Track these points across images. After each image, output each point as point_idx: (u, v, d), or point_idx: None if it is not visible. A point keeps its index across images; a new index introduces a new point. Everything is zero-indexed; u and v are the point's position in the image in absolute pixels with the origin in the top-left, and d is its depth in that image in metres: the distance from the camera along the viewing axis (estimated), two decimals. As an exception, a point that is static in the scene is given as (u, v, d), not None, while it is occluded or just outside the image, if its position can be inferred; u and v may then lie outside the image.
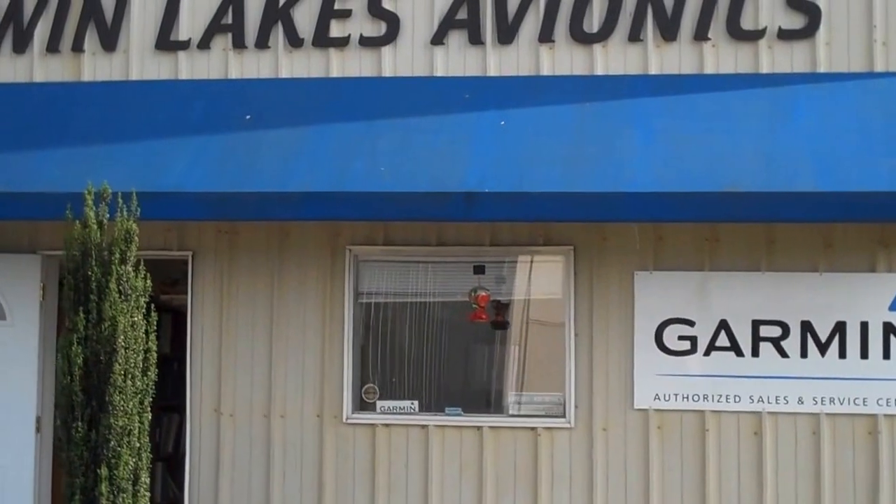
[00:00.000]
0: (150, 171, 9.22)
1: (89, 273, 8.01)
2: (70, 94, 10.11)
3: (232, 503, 9.61)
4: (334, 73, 9.98)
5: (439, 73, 9.90)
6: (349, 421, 9.53)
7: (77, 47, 10.20)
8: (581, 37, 9.80)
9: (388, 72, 9.94)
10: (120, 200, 8.15)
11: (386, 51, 9.95)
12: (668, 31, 9.72)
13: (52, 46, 10.22)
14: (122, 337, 7.90)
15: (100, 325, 7.94)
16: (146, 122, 9.78)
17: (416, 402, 9.62)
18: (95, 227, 8.07)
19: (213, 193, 9.10)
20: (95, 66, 10.20)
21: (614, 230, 9.39)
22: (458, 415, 9.52)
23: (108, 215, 8.12)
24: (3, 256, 9.88)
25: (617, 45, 9.79)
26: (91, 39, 10.21)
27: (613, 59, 9.79)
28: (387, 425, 9.52)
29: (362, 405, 9.64)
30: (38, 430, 9.76)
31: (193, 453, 9.69)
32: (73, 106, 10.02)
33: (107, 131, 9.73)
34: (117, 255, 8.05)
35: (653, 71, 9.74)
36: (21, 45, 10.26)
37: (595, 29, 9.79)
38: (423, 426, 9.48)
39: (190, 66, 10.10)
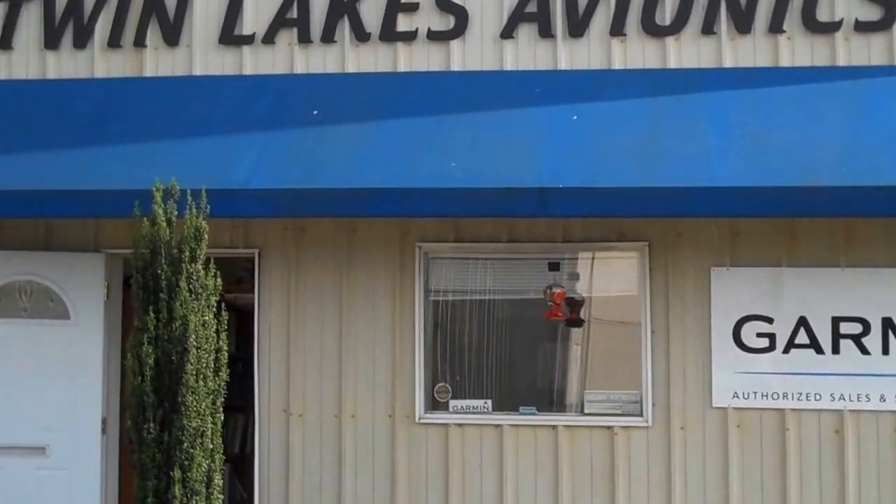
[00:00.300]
0: (215, 167, 9.07)
1: (159, 271, 7.85)
2: (132, 90, 9.97)
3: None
4: (402, 68, 9.81)
5: (509, 67, 9.71)
6: (421, 421, 9.36)
7: (139, 42, 10.05)
8: (653, 29, 9.60)
9: (456, 66, 9.76)
10: (189, 197, 7.98)
11: (454, 45, 9.76)
12: (743, 23, 9.50)
13: (114, 41, 10.07)
14: (193, 336, 7.74)
15: (170, 325, 7.78)
16: (210, 118, 9.63)
17: (489, 402, 9.43)
18: (164, 224, 7.90)
19: (281, 190, 8.93)
20: (158, 62, 10.05)
21: (689, 226, 9.20)
22: (533, 414, 9.34)
23: (176, 212, 7.97)
24: (67, 255, 9.74)
25: (690, 37, 9.58)
26: (153, 34, 10.05)
27: (686, 52, 9.59)
28: (460, 425, 9.35)
29: (434, 405, 9.47)
30: (104, 431, 9.62)
31: (263, 455, 9.52)
32: (136, 102, 9.88)
33: (170, 127, 9.58)
34: (187, 253, 7.88)
35: (727, 64, 9.54)
36: (82, 40, 10.11)
37: (667, 21, 9.59)
38: (497, 426, 9.30)
39: (254, 61, 9.93)
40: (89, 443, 9.56)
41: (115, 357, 9.81)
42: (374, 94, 9.70)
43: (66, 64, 10.14)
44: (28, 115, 9.88)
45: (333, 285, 9.54)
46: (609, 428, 9.20)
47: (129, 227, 9.41)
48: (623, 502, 9.13)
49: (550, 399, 9.64)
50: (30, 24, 10.17)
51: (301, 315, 9.56)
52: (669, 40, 9.58)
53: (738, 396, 9.10)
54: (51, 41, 10.12)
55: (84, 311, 9.66)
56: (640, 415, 9.19)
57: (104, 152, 9.40)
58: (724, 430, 9.08)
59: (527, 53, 9.72)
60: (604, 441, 9.19)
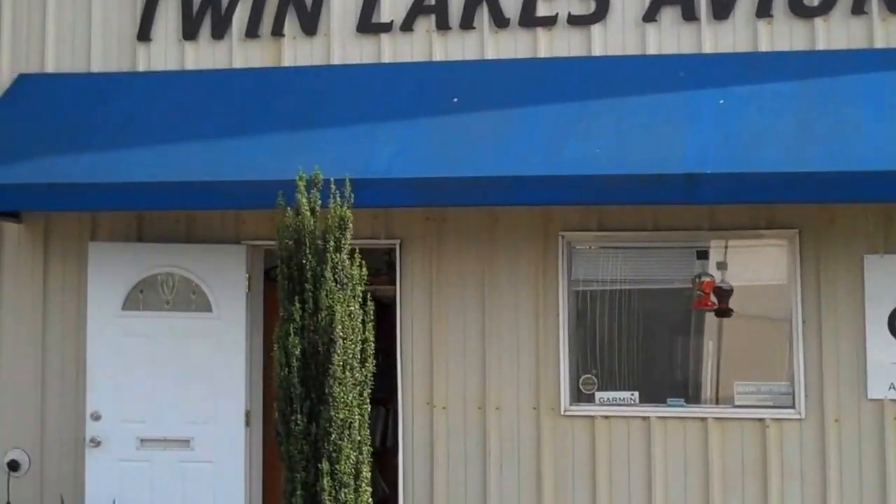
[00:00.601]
0: (355, 157, 8.95)
1: (304, 261, 7.76)
2: (270, 80, 9.92)
3: (448, 498, 9.33)
4: (542, 54, 9.63)
5: (651, 51, 9.49)
6: (567, 413, 9.18)
7: (277, 32, 9.99)
8: (801, 10, 9.30)
9: (597, 51, 9.56)
10: (333, 186, 7.89)
11: (595, 29, 9.56)
12: (894, 2, 9.18)
13: (252, 31, 10.03)
14: (339, 327, 7.62)
15: (316, 315, 7.68)
16: (349, 107, 9.55)
17: (636, 393, 9.23)
18: (308, 214, 7.81)
19: (422, 179, 8.77)
20: (296, 51, 9.98)
21: (841, 212, 8.91)
22: (681, 406, 9.12)
23: (319, 202, 7.88)
24: (208, 247, 9.74)
25: (839, 18, 9.27)
26: (291, 23, 9.99)
27: (836, 33, 9.28)
28: (606, 417, 9.15)
29: (580, 396, 9.29)
30: (247, 424, 9.61)
31: (406, 447, 9.43)
32: (274, 92, 9.82)
33: (309, 117, 9.50)
34: (332, 243, 7.78)
35: (878, 45, 9.21)
36: (220, 30, 10.08)
37: (815, 2, 9.28)
38: (645, 418, 9.09)
39: (393, 49, 9.83)
40: (233, 436, 9.55)
41: (258, 350, 9.79)
42: (515, 80, 9.54)
43: (204, 55, 10.12)
44: (167, 107, 9.89)
45: (475, 275, 9.41)
46: (760, 420, 8.94)
47: (270, 218, 9.44)
48: (776, 497, 8.87)
49: (698, 391, 9.42)
50: (168, 15, 10.17)
51: (443, 306, 9.44)
52: (818, 21, 9.27)
53: (894, 388, 8.78)
54: (189, 32, 10.11)
55: (226, 303, 9.65)
56: (793, 406, 8.91)
57: (244, 143, 9.34)
58: (879, 423, 8.78)
59: (670, 37, 9.47)
60: (755, 434, 8.93)
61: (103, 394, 9.64)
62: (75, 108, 9.96)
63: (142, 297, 9.74)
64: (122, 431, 9.61)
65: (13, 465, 9.87)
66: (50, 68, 10.24)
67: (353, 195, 7.88)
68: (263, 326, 9.83)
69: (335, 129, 9.33)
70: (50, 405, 9.94)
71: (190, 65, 10.13)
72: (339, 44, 9.92)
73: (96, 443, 9.60)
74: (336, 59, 9.91)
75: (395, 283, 9.77)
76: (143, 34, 10.16)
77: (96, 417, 9.62)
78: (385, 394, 9.82)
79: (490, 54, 9.70)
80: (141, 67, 10.17)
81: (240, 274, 9.68)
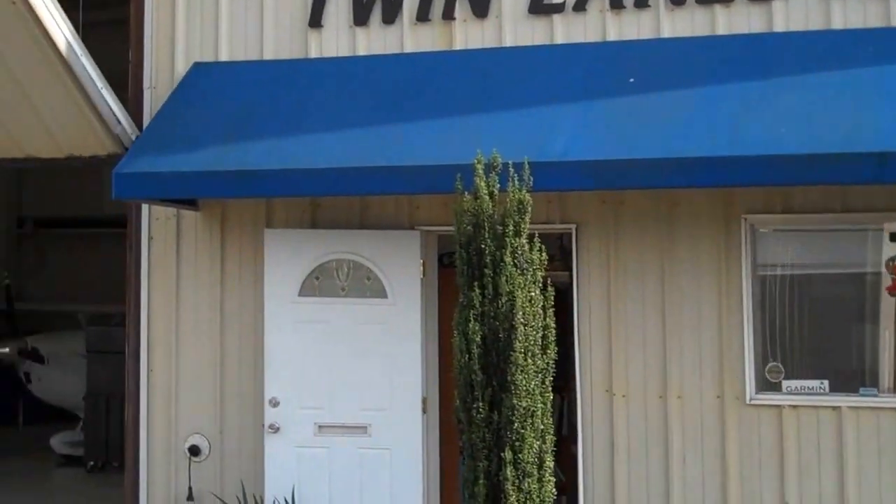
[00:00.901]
0: (530, 140, 8.73)
1: (482, 246, 7.63)
2: (442, 64, 9.79)
3: (629, 489, 9.14)
4: (720, 31, 9.31)
5: (836, 25, 9.10)
6: (752, 402, 8.91)
7: (447, 15, 9.86)
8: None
9: (779, 27, 9.20)
10: (511, 169, 7.74)
11: (777, 5, 9.20)
12: None
13: (422, 15, 9.91)
14: (520, 313, 7.47)
15: (496, 301, 7.54)
16: (522, 90, 9.36)
17: (825, 382, 8.89)
18: (487, 198, 7.67)
19: (600, 161, 8.53)
20: (467, 34, 9.84)
21: None
22: (874, 396, 8.77)
23: (498, 186, 7.74)
24: (383, 233, 9.69)
25: None
26: (462, 7, 9.84)
27: None
28: (794, 406, 8.85)
29: (765, 385, 8.98)
30: (424, 410, 9.54)
31: (586, 436, 9.27)
32: (446, 75, 9.69)
33: (482, 101, 9.34)
34: (511, 228, 7.62)
35: None
36: (390, 15, 9.99)
37: None
38: (835, 408, 8.77)
39: (566, 30, 9.61)
40: (410, 422, 9.49)
41: (433, 336, 9.71)
42: (692, 58, 9.24)
43: (375, 40, 10.04)
44: (339, 93, 9.85)
45: (654, 260, 9.18)
46: (961, 410, 8.58)
47: (443, 203, 9.34)
48: (975, 490, 8.51)
49: (891, 379, 8.99)
50: (339, 2, 10.10)
51: (621, 292, 9.24)
52: None
53: None
54: (360, 18, 10.04)
55: (401, 289, 9.59)
56: None
57: (417, 128, 9.24)
58: None
59: (856, 9, 9.06)
60: (955, 424, 8.58)
61: (281, 380, 9.68)
62: (248, 95, 10.00)
63: (317, 283, 9.74)
64: (301, 418, 9.64)
65: (194, 451, 9.97)
66: (223, 57, 10.29)
67: (532, 178, 7.73)
68: (438, 313, 9.75)
69: (509, 113, 9.16)
70: (228, 391, 10.03)
71: (361, 50, 10.06)
72: (510, 26, 9.75)
73: (275, 429, 9.64)
74: (508, 42, 9.75)
75: (567, 269, 9.59)
76: (315, 21, 10.12)
77: (275, 404, 9.66)
78: (561, 381, 9.65)
79: (666, 33, 9.43)
80: (312, 54, 10.14)
81: (414, 259, 9.60)
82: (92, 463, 15.51)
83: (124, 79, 10.46)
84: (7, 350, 16.44)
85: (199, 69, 10.26)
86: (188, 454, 9.98)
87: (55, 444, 16.22)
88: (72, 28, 9.54)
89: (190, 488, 9.96)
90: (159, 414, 10.20)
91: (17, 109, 9.95)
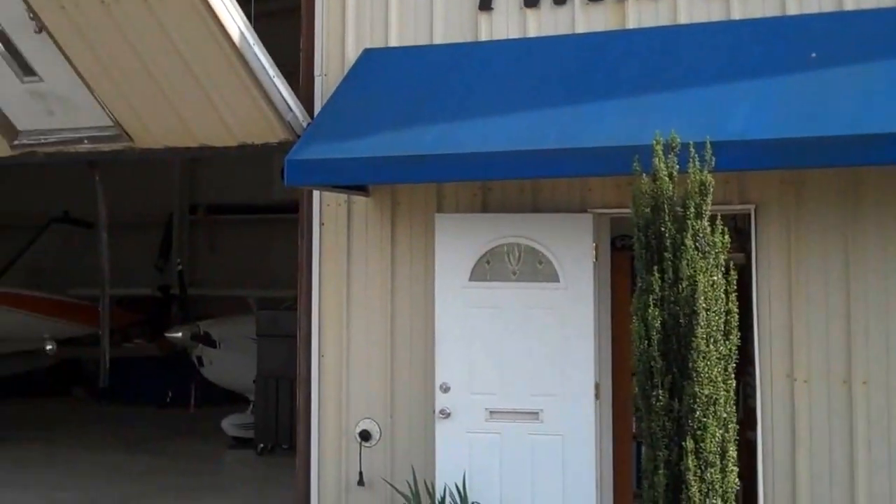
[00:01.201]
0: (708, 119, 8.47)
1: (662, 229, 7.44)
2: (615, 43, 9.59)
3: (811, 478, 8.83)
4: (904, 0, 8.94)
5: None
6: (944, 388, 8.56)
7: (621, -6, 9.69)
8: None
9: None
10: (692, 150, 7.52)
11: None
12: None
13: (594, -5, 9.77)
14: (702, 297, 7.28)
15: (677, 286, 7.35)
16: (699, 68, 9.09)
17: None
18: (667, 179, 7.48)
19: (782, 140, 8.23)
20: (640, 13, 9.60)
21: None
22: None
23: (677, 167, 7.53)
24: (554, 217, 9.55)
25: None
26: (635, -16, 9.67)
27: None
28: None
29: (956, 373, 8.63)
30: (596, 396, 9.37)
31: (766, 423, 8.99)
32: (619, 55, 9.49)
33: (656, 80, 9.12)
34: (692, 210, 7.42)
35: None
36: (562, -4, 9.86)
37: None
38: None
39: (743, 5, 9.31)
40: (582, 408, 9.33)
41: (605, 320, 9.54)
42: (875, 32, 8.84)
43: (546, 21, 9.88)
44: (510, 76, 9.71)
45: (838, 240, 8.86)
46: None
47: (616, 186, 9.19)
48: None
49: None
50: (509, -16, 10.01)
51: (803, 274, 8.93)
52: None
53: None
54: (531, 0, 9.92)
55: (573, 273, 9.42)
56: None
57: (590, 109, 9.05)
58: None
59: None
60: None
61: (451, 366, 9.62)
62: (419, 80, 9.94)
63: (488, 267, 9.63)
64: (472, 403, 9.56)
65: (364, 436, 9.96)
66: (393, 42, 10.24)
67: (714, 158, 7.51)
68: (611, 297, 9.58)
69: (684, 91, 8.92)
70: (399, 376, 10.00)
71: (532, 32, 9.91)
72: (685, 3, 9.49)
73: (446, 414, 9.58)
74: (683, 19, 9.49)
75: (741, 251, 9.32)
76: (485, 4, 9.99)
77: (445, 389, 9.59)
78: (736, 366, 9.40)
79: (849, 5, 9.07)
80: (482, 37, 10.02)
81: (587, 243, 9.43)
82: (262, 445, 15.72)
83: (296, 67, 10.48)
84: (180, 335, 16.77)
85: (369, 55, 10.23)
86: (359, 439, 9.98)
87: (226, 427, 16.51)
88: (245, 18, 9.59)
89: (361, 473, 9.95)
90: (330, 399, 10.22)
91: (191, 100, 10.06)
